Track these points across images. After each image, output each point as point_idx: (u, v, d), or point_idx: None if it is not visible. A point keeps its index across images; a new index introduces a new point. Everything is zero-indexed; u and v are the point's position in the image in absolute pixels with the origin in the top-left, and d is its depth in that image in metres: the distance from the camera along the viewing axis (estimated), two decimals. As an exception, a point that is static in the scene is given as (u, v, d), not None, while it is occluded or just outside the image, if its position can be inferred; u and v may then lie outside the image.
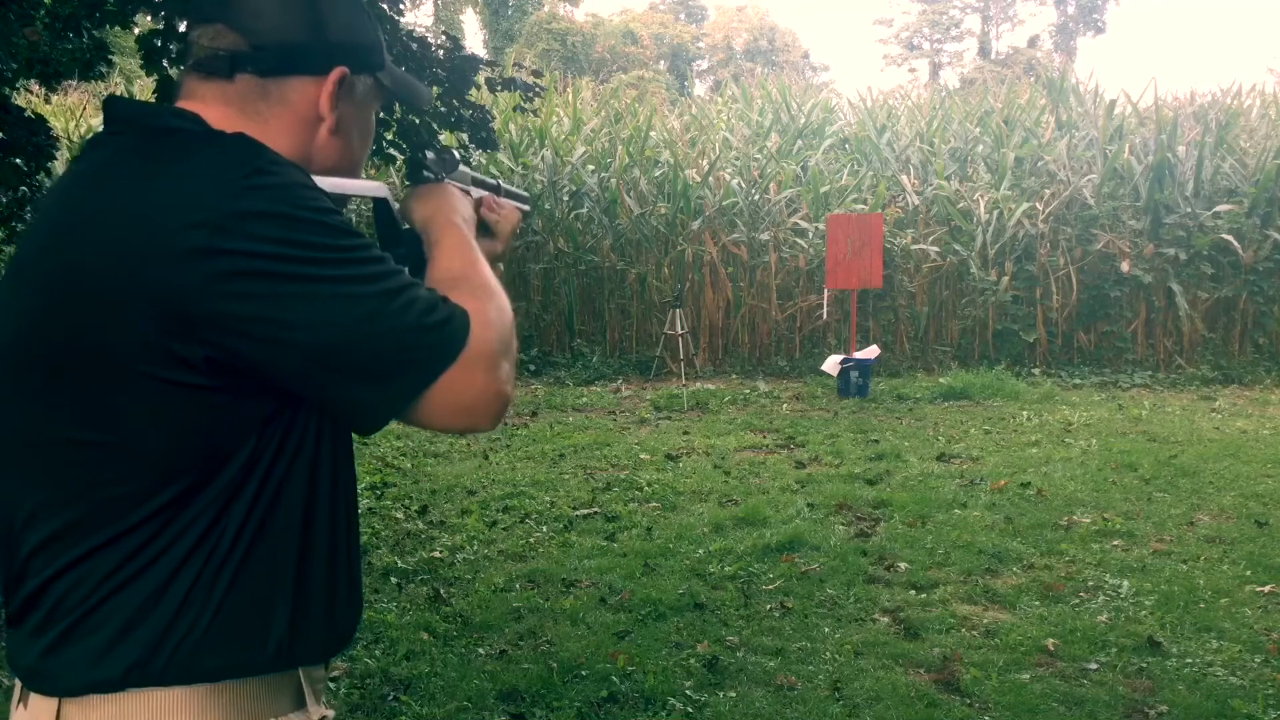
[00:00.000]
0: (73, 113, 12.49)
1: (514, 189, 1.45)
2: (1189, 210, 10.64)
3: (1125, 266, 10.47)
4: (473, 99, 5.49)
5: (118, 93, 9.55)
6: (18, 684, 1.06)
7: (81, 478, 0.98)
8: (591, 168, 11.66)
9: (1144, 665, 3.55)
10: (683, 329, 9.57)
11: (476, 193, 1.33)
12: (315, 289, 0.95)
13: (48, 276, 0.99)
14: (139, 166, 1.00)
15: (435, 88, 5.26)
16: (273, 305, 0.94)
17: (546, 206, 11.31)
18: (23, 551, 1.02)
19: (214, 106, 1.08)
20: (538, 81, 5.88)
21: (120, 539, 0.98)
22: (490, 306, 1.06)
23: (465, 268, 1.12)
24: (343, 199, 1.15)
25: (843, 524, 5.25)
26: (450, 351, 0.99)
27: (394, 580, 4.38)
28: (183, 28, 3.92)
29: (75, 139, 10.54)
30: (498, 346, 1.03)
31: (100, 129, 1.10)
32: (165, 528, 0.98)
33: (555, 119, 13.22)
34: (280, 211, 0.95)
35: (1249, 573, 4.43)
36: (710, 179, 11.34)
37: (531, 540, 5.03)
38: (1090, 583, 4.36)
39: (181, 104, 1.09)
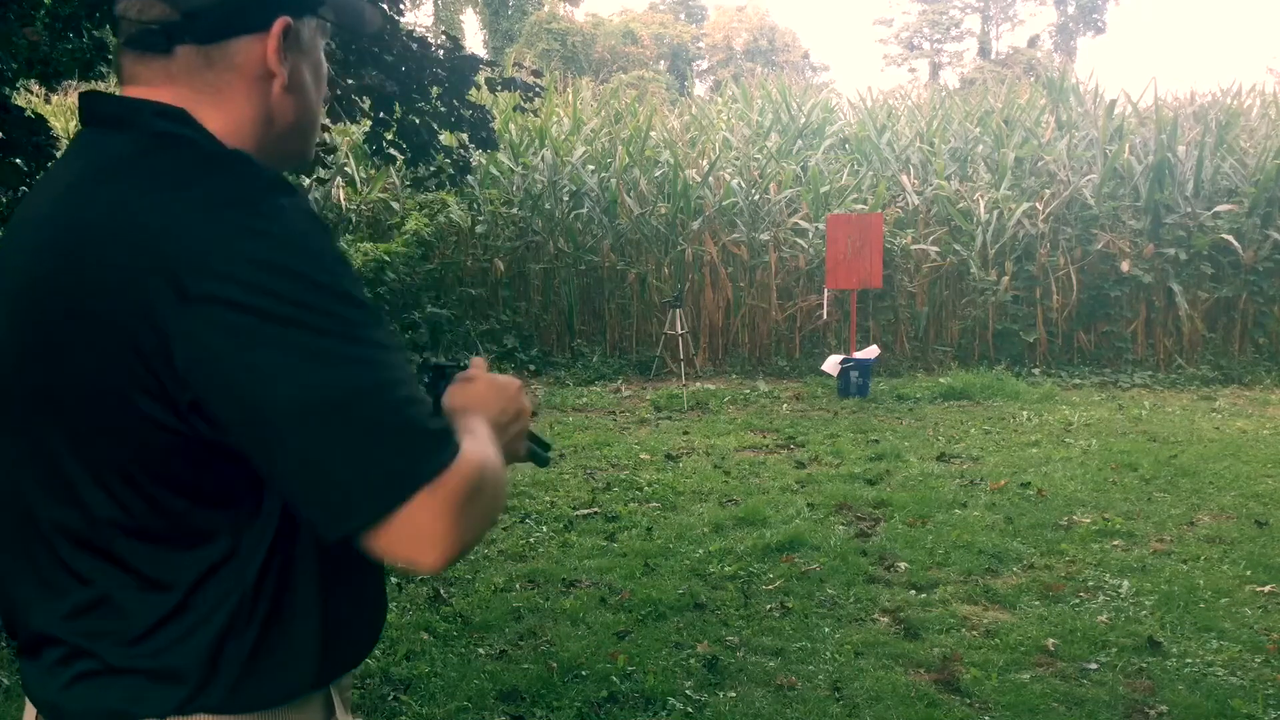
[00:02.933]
0: (73, 113, 12.50)
1: (537, 435, 1.32)
2: (1189, 210, 10.64)
3: (1125, 266, 10.46)
4: (473, 99, 5.49)
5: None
6: (31, 710, 1.02)
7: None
8: (591, 168, 11.66)
9: (1144, 665, 3.55)
10: (683, 329, 9.56)
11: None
12: (299, 356, 0.85)
13: (33, 299, 0.93)
14: (130, 185, 0.92)
15: (435, 88, 5.26)
16: (248, 366, 0.85)
17: (546, 206, 11.31)
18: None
19: (162, 88, 0.99)
20: (538, 81, 5.88)
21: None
22: (479, 452, 0.95)
23: (465, 427, 1.01)
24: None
25: (843, 524, 5.25)
26: (435, 465, 0.88)
27: (394, 580, 4.38)
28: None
29: (75, 139, 10.53)
30: (472, 487, 0.90)
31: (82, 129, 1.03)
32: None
33: (555, 119, 13.22)
34: (281, 263, 0.87)
35: (1249, 573, 4.44)
36: (710, 179, 11.34)
37: (531, 540, 5.03)
38: (1090, 583, 4.36)
39: (127, 89, 1.01)
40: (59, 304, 0.91)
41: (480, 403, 1.12)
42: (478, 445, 0.97)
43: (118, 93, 1.03)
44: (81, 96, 1.03)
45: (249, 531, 0.95)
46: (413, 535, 0.88)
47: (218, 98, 1.00)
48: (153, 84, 0.99)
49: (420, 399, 0.91)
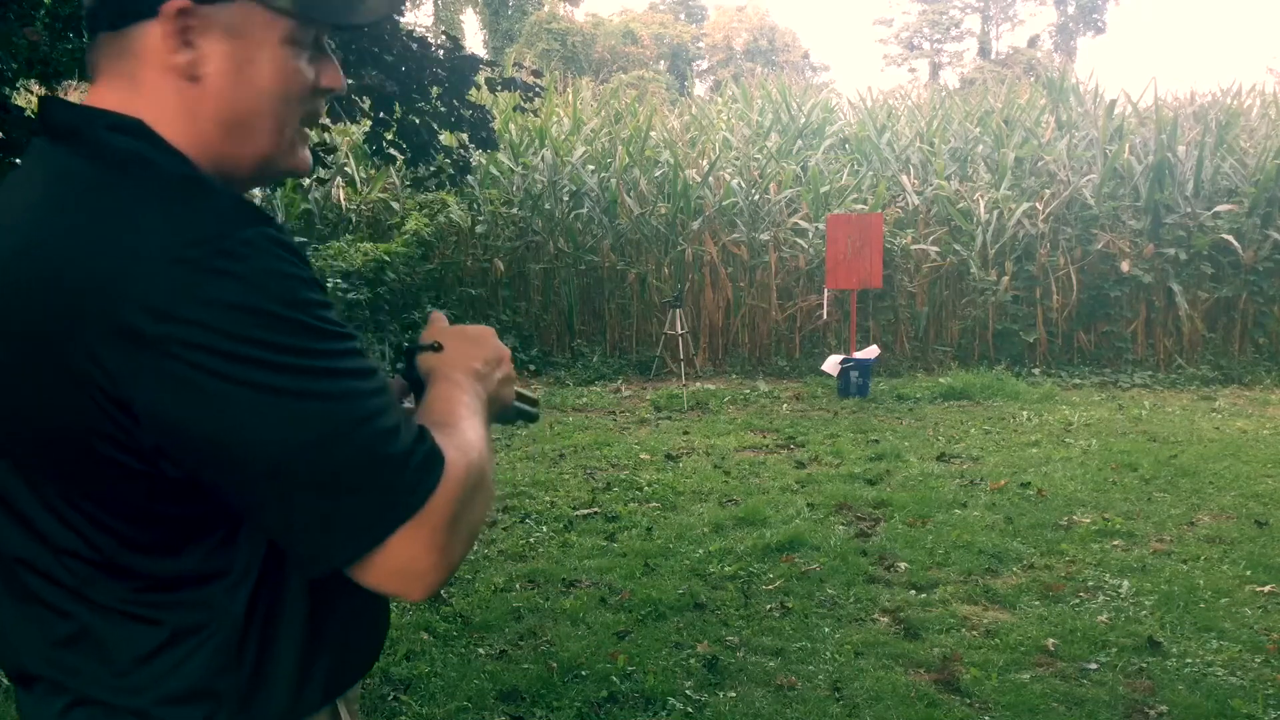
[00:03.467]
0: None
1: (523, 392, 1.30)
2: (1189, 210, 10.64)
3: (1125, 266, 10.46)
4: (473, 99, 5.49)
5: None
6: None
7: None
8: (591, 168, 11.66)
9: (1144, 665, 3.55)
10: (683, 329, 9.56)
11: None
12: (271, 398, 0.81)
13: None
14: (89, 219, 0.84)
15: (435, 88, 5.26)
16: (217, 412, 0.81)
17: (546, 206, 11.31)
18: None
19: (101, 84, 0.93)
20: (538, 81, 5.88)
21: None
22: (463, 460, 0.91)
23: (444, 415, 0.98)
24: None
25: (843, 524, 5.25)
26: (418, 498, 0.86)
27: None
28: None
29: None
30: (458, 508, 0.88)
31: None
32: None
33: (555, 119, 13.22)
34: (248, 304, 0.81)
35: (1249, 573, 4.44)
36: (710, 179, 11.34)
37: (531, 540, 5.03)
38: (1090, 583, 4.36)
39: (91, 87, 0.95)
40: (9, 342, 0.85)
41: (458, 358, 1.09)
42: (461, 440, 0.94)
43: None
44: (40, 102, 0.96)
45: (233, 559, 0.91)
46: (398, 569, 0.87)
47: (138, 94, 0.92)
48: (95, 78, 0.94)
49: (399, 426, 0.86)
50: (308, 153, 1.02)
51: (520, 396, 1.26)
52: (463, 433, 0.96)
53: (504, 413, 1.21)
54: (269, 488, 0.83)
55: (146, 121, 0.91)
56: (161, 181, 0.87)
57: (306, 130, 1.02)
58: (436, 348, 1.11)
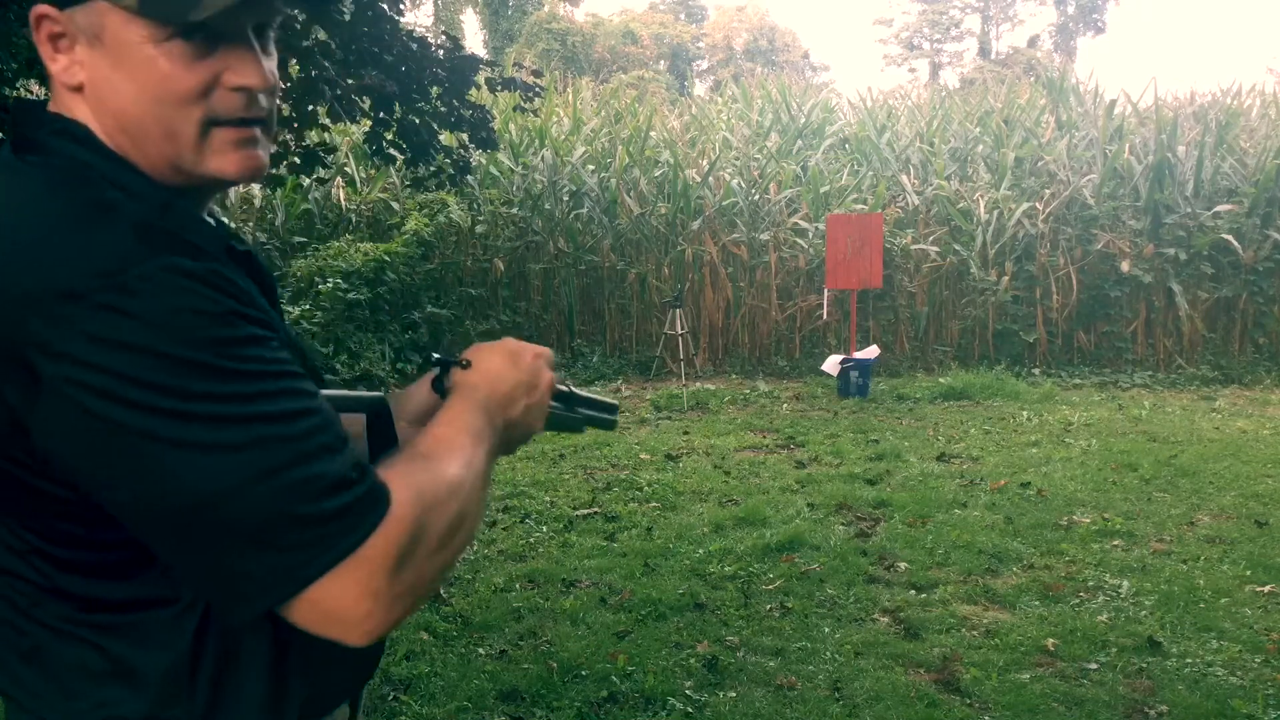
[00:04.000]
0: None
1: (593, 399, 1.25)
2: (1189, 210, 10.64)
3: (1125, 266, 10.46)
4: (473, 99, 5.49)
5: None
6: None
7: None
8: (591, 168, 11.66)
9: (1144, 665, 3.55)
10: (683, 329, 9.56)
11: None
12: (165, 449, 0.76)
13: None
14: (10, 236, 0.81)
15: (435, 88, 5.26)
16: (109, 460, 0.77)
17: (546, 206, 11.31)
18: None
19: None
20: (538, 81, 5.88)
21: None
22: (415, 502, 0.85)
23: (433, 444, 0.93)
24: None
25: (843, 524, 5.25)
26: (343, 547, 0.80)
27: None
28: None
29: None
30: (401, 551, 0.82)
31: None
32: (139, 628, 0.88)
33: (555, 119, 13.22)
34: (142, 344, 0.75)
35: (1249, 573, 4.43)
36: (710, 179, 11.34)
37: (531, 540, 5.03)
38: (1090, 583, 4.36)
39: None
40: None
41: (484, 378, 1.05)
42: (433, 476, 0.88)
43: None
44: (12, 105, 0.96)
45: (179, 587, 0.87)
46: (328, 615, 0.81)
47: (60, 101, 0.91)
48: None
49: (324, 472, 0.80)
50: (243, 156, 0.93)
51: (596, 404, 1.24)
52: (440, 468, 0.89)
53: (566, 421, 1.18)
54: (169, 538, 0.79)
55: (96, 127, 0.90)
56: (77, 203, 0.82)
57: (244, 131, 0.93)
58: (465, 365, 1.07)
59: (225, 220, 1.08)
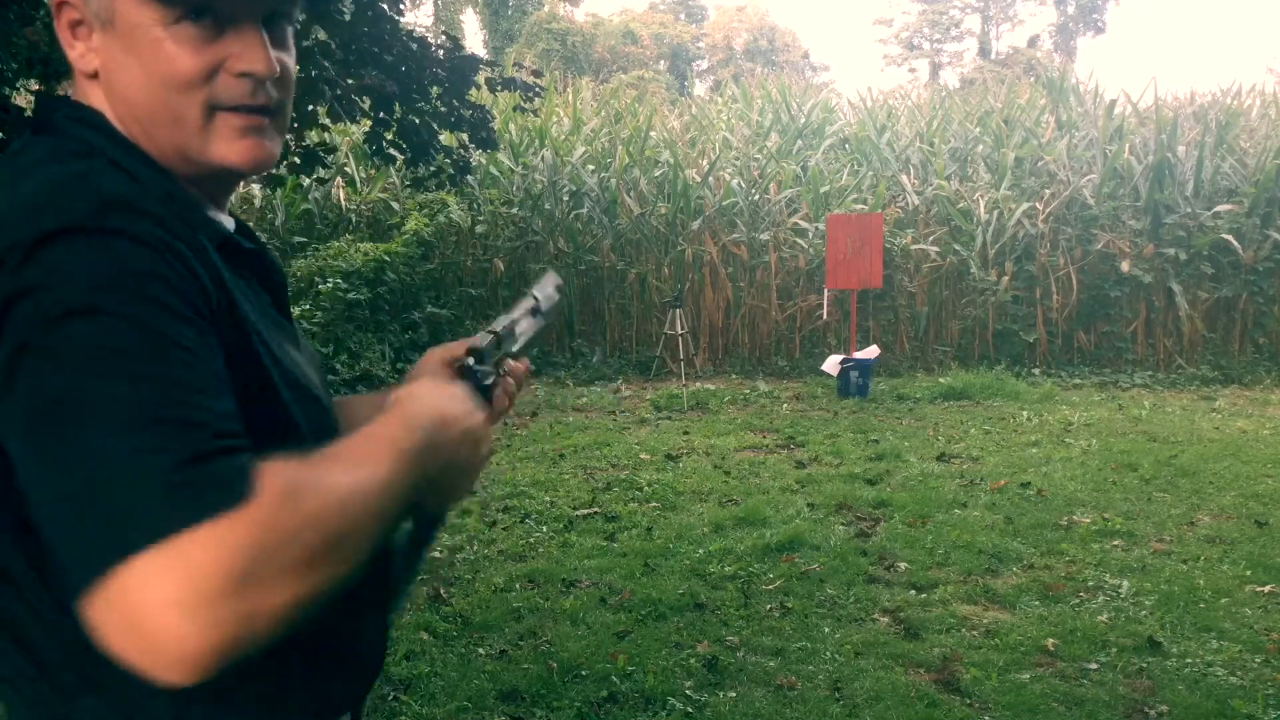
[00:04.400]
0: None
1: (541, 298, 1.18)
2: (1189, 210, 10.64)
3: (1125, 266, 10.46)
4: (473, 99, 5.49)
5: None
6: None
7: None
8: (591, 168, 11.66)
9: (1144, 665, 3.55)
10: (683, 329, 9.57)
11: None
12: (41, 366, 0.73)
13: None
14: None
15: (435, 88, 5.26)
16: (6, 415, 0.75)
17: (546, 206, 11.31)
18: None
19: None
20: (537, 81, 5.88)
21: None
22: (307, 501, 0.73)
23: (344, 449, 0.82)
24: None
25: (843, 524, 5.25)
26: (160, 528, 0.68)
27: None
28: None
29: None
30: (247, 556, 0.69)
31: None
32: None
33: (555, 119, 13.22)
34: (39, 283, 0.75)
35: (1249, 573, 4.44)
36: (710, 179, 11.34)
37: (531, 540, 5.03)
38: (1090, 583, 4.36)
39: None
40: None
41: (431, 396, 0.94)
42: (308, 478, 0.75)
43: None
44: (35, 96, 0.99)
45: None
46: (129, 618, 0.67)
47: (79, 90, 0.93)
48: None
49: (167, 447, 0.71)
50: (249, 145, 0.93)
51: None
52: (335, 475, 0.78)
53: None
54: (26, 466, 0.75)
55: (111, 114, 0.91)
56: (59, 174, 0.83)
57: (250, 119, 0.92)
58: (503, 349, 1.03)
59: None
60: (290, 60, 0.96)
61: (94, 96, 0.92)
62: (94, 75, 0.91)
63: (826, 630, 3.88)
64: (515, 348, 1.12)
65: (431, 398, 0.93)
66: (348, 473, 0.78)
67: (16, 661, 0.87)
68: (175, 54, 0.88)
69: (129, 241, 0.77)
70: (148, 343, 0.74)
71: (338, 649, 0.96)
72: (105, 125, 0.90)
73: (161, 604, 0.66)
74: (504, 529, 5.22)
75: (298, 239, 10.72)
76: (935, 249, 10.70)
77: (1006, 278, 10.67)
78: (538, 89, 5.65)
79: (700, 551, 4.80)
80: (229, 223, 0.99)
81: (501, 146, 10.52)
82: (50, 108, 0.92)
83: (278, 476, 0.73)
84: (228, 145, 0.92)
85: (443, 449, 0.90)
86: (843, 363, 9.10)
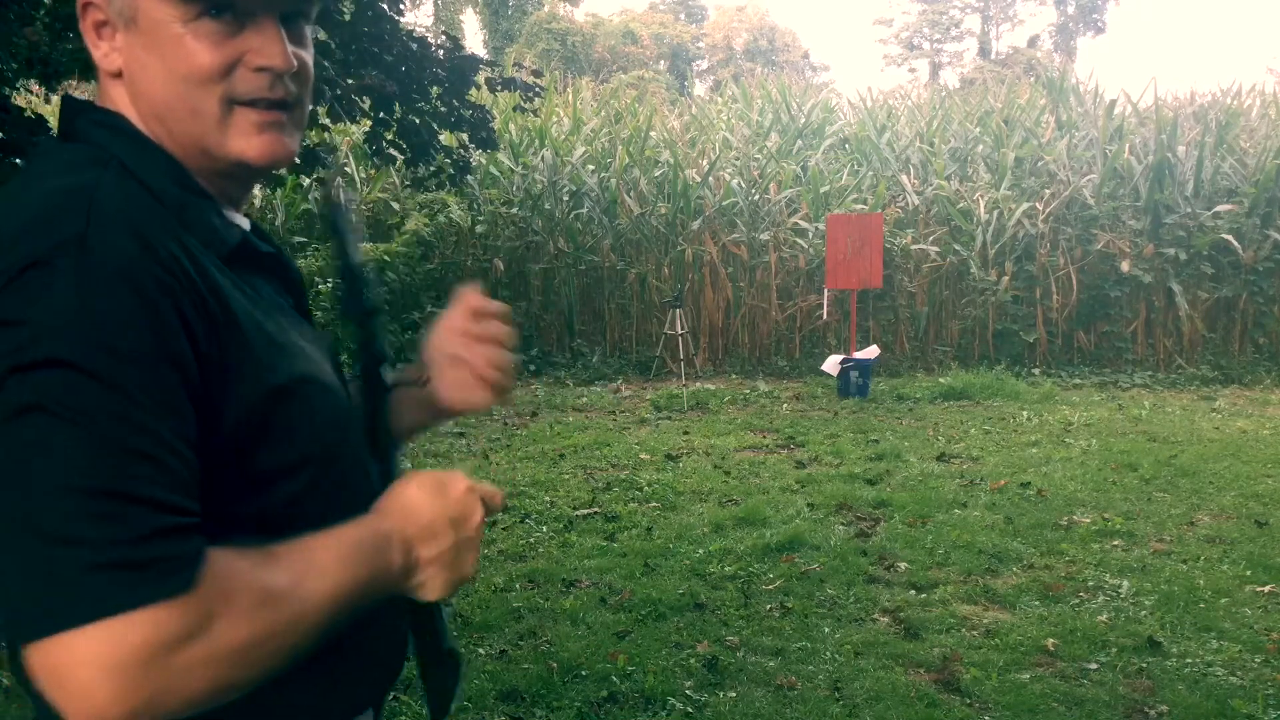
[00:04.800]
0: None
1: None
2: (1189, 210, 10.64)
3: (1125, 266, 10.46)
4: (473, 99, 5.50)
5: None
6: None
7: None
8: (591, 168, 11.66)
9: (1144, 665, 3.55)
10: (683, 329, 9.57)
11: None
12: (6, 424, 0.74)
13: None
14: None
15: (435, 88, 5.26)
16: None
17: (546, 206, 11.31)
18: None
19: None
20: (537, 81, 5.88)
21: None
22: (240, 598, 0.77)
23: (295, 551, 0.83)
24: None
25: (843, 524, 5.25)
26: (94, 607, 0.71)
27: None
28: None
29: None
30: (174, 639, 0.73)
31: None
32: None
33: (555, 119, 13.22)
34: (22, 330, 0.74)
35: (1249, 573, 4.43)
36: (710, 179, 11.34)
37: (531, 540, 5.03)
38: (1090, 583, 4.36)
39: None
40: None
41: (406, 509, 0.93)
42: (247, 577, 0.78)
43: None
44: (60, 99, 0.98)
45: None
46: (59, 678, 0.72)
47: (104, 94, 0.94)
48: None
49: (117, 517, 0.72)
50: (267, 139, 0.94)
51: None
52: (274, 575, 0.80)
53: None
54: None
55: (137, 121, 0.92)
56: (65, 186, 0.84)
57: (268, 114, 0.93)
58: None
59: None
60: (308, 58, 0.97)
61: (118, 96, 0.93)
62: (118, 75, 0.92)
63: (826, 630, 3.88)
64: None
65: (417, 515, 0.92)
66: (294, 578, 0.81)
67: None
68: (195, 49, 0.89)
69: (114, 275, 0.77)
70: (109, 404, 0.74)
71: (359, 647, 0.96)
72: (128, 128, 0.92)
73: (83, 663, 0.71)
74: (504, 529, 5.22)
75: (298, 239, 10.72)
76: (935, 249, 10.70)
77: (1006, 278, 10.67)
78: (538, 89, 5.65)
79: (700, 551, 4.80)
80: (245, 223, 0.99)
81: (501, 146, 10.52)
82: (74, 113, 0.93)
83: (219, 572, 0.76)
84: (246, 140, 0.93)
85: (427, 548, 0.92)
86: (843, 363, 9.10)
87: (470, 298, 1.18)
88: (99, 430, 0.74)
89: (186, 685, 0.74)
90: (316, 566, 0.83)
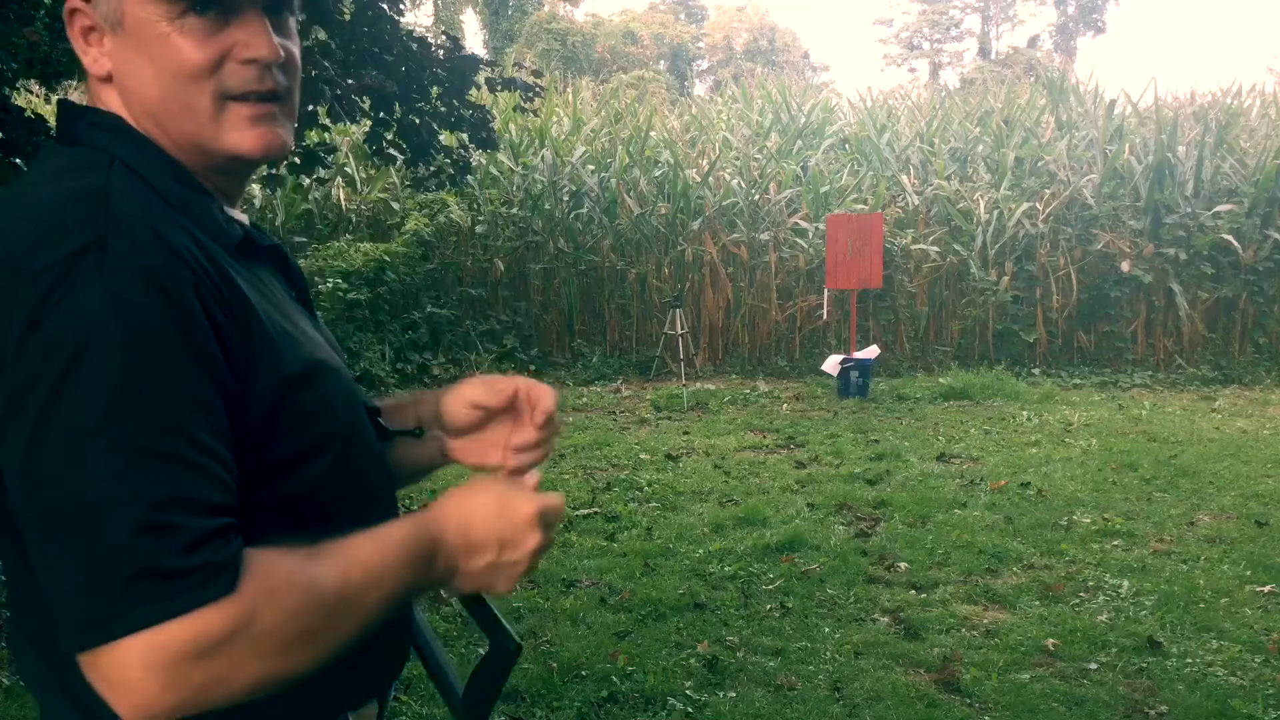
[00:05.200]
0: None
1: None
2: (1189, 210, 10.64)
3: (1125, 266, 10.46)
4: (473, 99, 5.50)
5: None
6: None
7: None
8: (591, 168, 11.66)
9: (1144, 665, 3.55)
10: (683, 329, 9.56)
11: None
12: (33, 450, 0.75)
13: None
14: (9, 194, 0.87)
15: (435, 88, 5.26)
16: (3, 426, 0.78)
17: (546, 206, 11.31)
18: None
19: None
20: (537, 81, 5.89)
21: None
22: (283, 597, 0.79)
23: (345, 551, 0.85)
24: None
25: (843, 524, 5.24)
26: (143, 616, 0.74)
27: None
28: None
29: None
30: (214, 640, 0.75)
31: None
32: None
33: (555, 119, 13.22)
34: (64, 335, 0.75)
35: (1249, 573, 4.43)
36: (710, 179, 11.34)
37: (531, 540, 5.02)
38: (1090, 583, 4.36)
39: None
40: None
41: (463, 521, 0.93)
42: (291, 578, 0.80)
43: None
44: (56, 103, 0.99)
45: None
46: (107, 677, 0.75)
47: (96, 97, 0.95)
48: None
49: (162, 527, 0.75)
50: (261, 132, 0.94)
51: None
52: (323, 576, 0.82)
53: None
54: (28, 525, 0.78)
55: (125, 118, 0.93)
56: (74, 188, 0.85)
57: (260, 107, 0.94)
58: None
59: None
60: (295, 49, 0.98)
61: (109, 100, 0.94)
62: (108, 78, 0.93)
63: (826, 630, 3.88)
64: None
65: (459, 516, 0.93)
66: (341, 576, 0.83)
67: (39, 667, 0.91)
68: (182, 46, 0.90)
69: (139, 277, 0.78)
70: (145, 411, 0.76)
71: (364, 636, 0.96)
72: (125, 128, 0.92)
73: (132, 665, 0.74)
74: (504, 529, 5.21)
75: (298, 239, 10.72)
76: (935, 249, 10.70)
77: (1006, 278, 10.67)
78: (538, 89, 5.65)
79: (700, 551, 4.80)
80: (244, 218, 1.00)
81: (501, 146, 10.53)
82: (72, 116, 0.94)
83: (262, 570, 0.78)
84: (240, 134, 0.93)
85: (468, 562, 0.93)
86: (843, 363, 9.10)
87: (545, 400, 1.09)
88: (137, 438, 0.75)
89: (232, 678, 0.77)
90: (362, 565, 0.85)
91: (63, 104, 0.96)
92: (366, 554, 0.86)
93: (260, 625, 0.77)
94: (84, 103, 0.97)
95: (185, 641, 0.74)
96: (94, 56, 0.93)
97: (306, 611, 0.80)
